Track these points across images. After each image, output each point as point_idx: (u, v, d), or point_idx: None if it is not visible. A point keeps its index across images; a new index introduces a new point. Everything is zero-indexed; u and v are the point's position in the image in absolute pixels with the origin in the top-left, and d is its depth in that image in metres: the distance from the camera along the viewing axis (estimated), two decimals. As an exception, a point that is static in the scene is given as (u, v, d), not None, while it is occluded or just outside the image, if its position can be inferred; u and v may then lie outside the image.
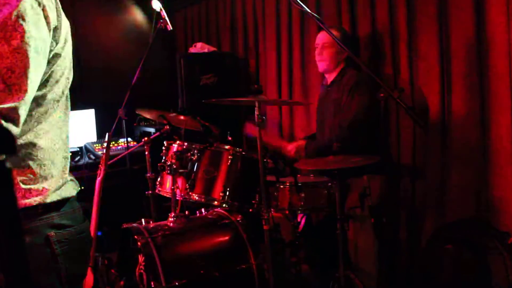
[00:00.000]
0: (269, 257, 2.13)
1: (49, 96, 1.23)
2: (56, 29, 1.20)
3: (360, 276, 2.53)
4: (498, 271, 2.30)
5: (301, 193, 2.43)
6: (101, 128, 4.17)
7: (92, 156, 3.87)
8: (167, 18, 2.95)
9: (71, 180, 1.35)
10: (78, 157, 3.87)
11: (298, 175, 2.51)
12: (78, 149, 3.92)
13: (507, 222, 2.45)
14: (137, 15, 4.87)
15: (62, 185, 1.29)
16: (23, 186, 1.19)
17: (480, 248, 2.35)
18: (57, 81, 1.25)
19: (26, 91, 1.09)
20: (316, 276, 2.74)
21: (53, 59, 1.21)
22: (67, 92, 1.32)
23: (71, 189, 1.33)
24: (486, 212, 2.54)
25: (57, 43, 1.22)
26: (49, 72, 1.21)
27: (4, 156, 0.38)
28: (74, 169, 3.70)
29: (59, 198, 1.26)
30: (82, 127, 4.10)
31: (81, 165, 3.78)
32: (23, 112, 1.10)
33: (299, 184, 2.42)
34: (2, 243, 0.37)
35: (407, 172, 2.89)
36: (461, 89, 2.61)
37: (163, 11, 2.95)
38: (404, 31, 2.83)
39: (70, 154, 1.58)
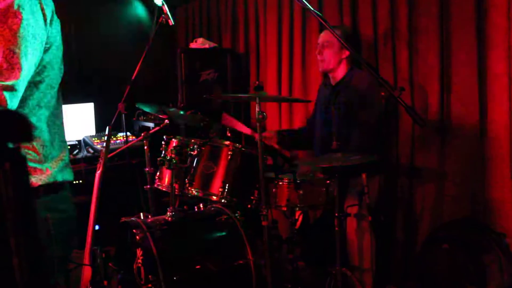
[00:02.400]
0: (267, 253, 2.14)
1: (47, 81, 1.41)
2: (51, 22, 1.40)
3: (356, 274, 2.55)
4: (493, 271, 2.32)
5: (299, 190, 2.44)
6: (100, 122, 4.17)
7: (90, 150, 3.88)
8: (169, 13, 2.94)
9: (69, 166, 1.50)
10: (77, 150, 3.86)
11: (297, 172, 2.52)
12: (77, 142, 3.91)
13: (503, 224, 2.47)
14: (138, 9, 4.87)
15: (63, 167, 1.43)
16: (29, 164, 1.35)
17: (476, 248, 2.37)
18: (53, 68, 1.43)
19: (25, 69, 1.30)
20: (313, 273, 2.76)
21: (49, 47, 1.40)
22: (59, 82, 1.49)
23: (71, 174, 1.48)
24: (483, 213, 2.56)
25: (52, 34, 1.41)
26: (47, 59, 1.40)
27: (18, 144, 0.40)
28: (73, 163, 3.64)
29: (60, 180, 1.40)
30: (81, 120, 4.10)
31: (79, 158, 3.77)
32: (22, 88, 1.31)
33: (298, 181, 2.43)
34: (17, 223, 0.38)
35: (405, 172, 2.90)
36: (460, 90, 2.62)
37: (165, 5, 2.95)
38: (405, 30, 2.83)
39: (69, 147, 1.68)
